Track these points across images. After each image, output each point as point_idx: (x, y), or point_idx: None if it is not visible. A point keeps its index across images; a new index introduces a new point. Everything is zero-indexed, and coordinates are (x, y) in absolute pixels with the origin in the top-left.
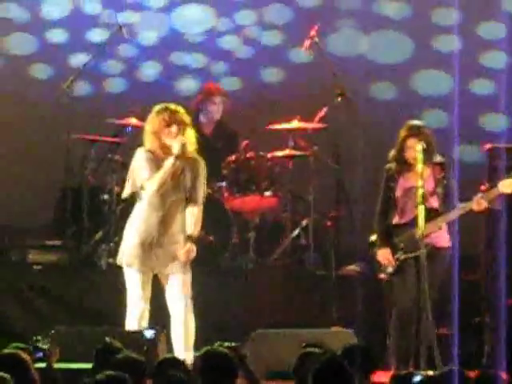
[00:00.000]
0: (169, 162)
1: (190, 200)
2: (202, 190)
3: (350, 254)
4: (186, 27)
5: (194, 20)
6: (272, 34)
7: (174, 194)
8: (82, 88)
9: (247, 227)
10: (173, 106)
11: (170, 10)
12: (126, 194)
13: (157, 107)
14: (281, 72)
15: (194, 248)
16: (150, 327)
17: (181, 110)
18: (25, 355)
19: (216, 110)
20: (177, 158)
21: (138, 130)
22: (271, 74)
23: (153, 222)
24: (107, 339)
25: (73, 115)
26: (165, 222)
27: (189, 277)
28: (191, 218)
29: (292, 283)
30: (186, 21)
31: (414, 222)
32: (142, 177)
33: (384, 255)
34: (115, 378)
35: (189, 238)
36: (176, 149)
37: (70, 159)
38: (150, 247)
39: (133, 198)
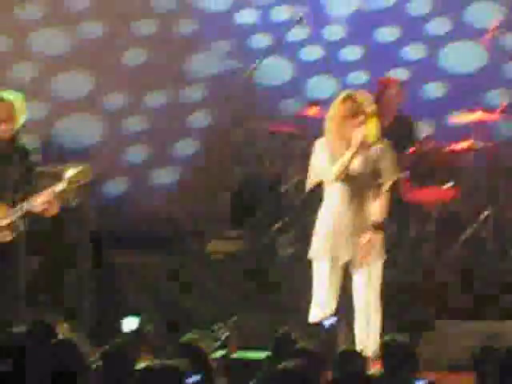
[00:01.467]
0: (348, 155)
1: (377, 186)
2: (389, 177)
3: None
4: None
5: None
6: None
7: (362, 182)
8: (262, 76)
9: (426, 219)
10: (358, 95)
11: None
12: (308, 185)
13: (342, 94)
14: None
15: (380, 236)
16: (331, 317)
17: (366, 99)
18: (203, 344)
19: (393, 101)
20: (356, 151)
21: (319, 121)
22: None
23: (342, 212)
24: (287, 328)
25: (254, 104)
26: (354, 211)
27: (379, 267)
28: (377, 205)
29: (471, 275)
30: None
31: None
32: (321, 168)
33: None
34: (296, 367)
35: (374, 224)
36: (355, 141)
37: (250, 150)
38: (341, 237)
39: (314, 189)
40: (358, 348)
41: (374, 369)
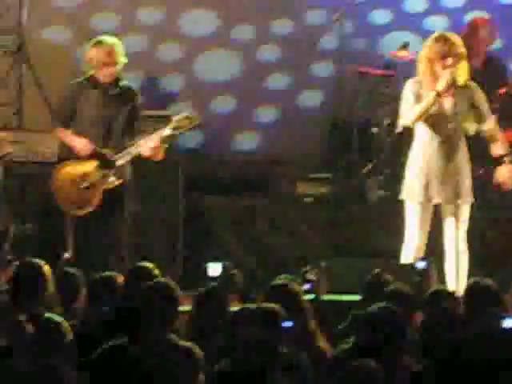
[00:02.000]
0: (430, 97)
1: (480, 120)
2: (486, 109)
3: None
4: None
5: None
6: None
7: (452, 124)
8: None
9: None
10: (452, 36)
11: None
12: (399, 127)
13: (435, 35)
14: None
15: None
16: (422, 259)
17: (459, 41)
18: (296, 286)
19: (484, 42)
20: (438, 94)
21: (410, 63)
22: None
23: (432, 153)
24: (377, 271)
25: (344, 48)
26: (445, 152)
27: (468, 209)
28: (490, 137)
29: None
30: None
31: None
32: (404, 109)
33: None
34: (386, 310)
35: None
36: (441, 85)
37: (340, 92)
38: (432, 179)
39: (404, 131)
40: (449, 289)
41: None
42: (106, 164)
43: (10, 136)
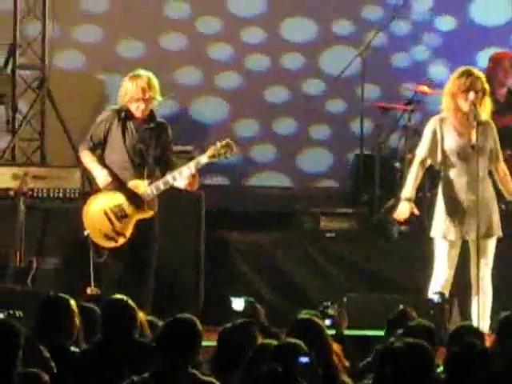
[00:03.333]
0: (409, 186)
1: (492, 160)
2: (499, 149)
3: None
4: None
5: None
6: None
7: (476, 158)
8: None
9: None
10: (475, 71)
11: None
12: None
13: (460, 69)
14: None
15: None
16: (438, 293)
17: (482, 77)
18: (319, 321)
19: (505, 75)
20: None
21: (432, 98)
22: None
23: (461, 190)
24: (402, 307)
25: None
26: (473, 188)
27: (494, 244)
28: (504, 177)
29: None
30: None
31: None
32: (419, 148)
33: None
34: (413, 345)
35: None
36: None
37: (364, 126)
38: (463, 216)
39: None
40: (474, 324)
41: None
42: (135, 197)
43: (32, 171)
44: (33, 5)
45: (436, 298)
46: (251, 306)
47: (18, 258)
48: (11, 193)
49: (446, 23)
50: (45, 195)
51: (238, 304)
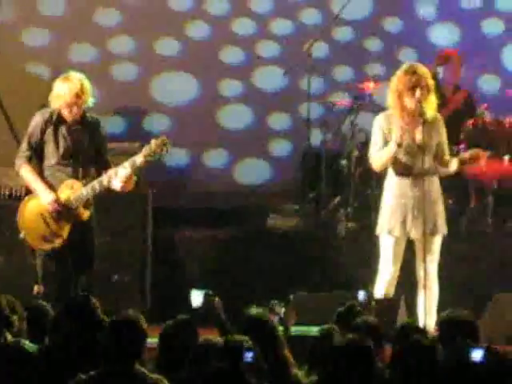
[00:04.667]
0: (390, 149)
1: (437, 156)
2: (448, 152)
3: None
4: None
5: None
6: None
7: (422, 155)
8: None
9: (485, 192)
10: (420, 68)
11: None
12: (370, 160)
13: (404, 66)
14: None
15: None
16: (364, 291)
17: (427, 72)
18: (270, 316)
19: (454, 74)
20: (399, 145)
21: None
22: None
23: (407, 187)
24: (350, 303)
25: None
26: (419, 186)
27: (440, 240)
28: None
29: None
30: None
31: None
32: (371, 151)
33: None
34: (356, 341)
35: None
36: (397, 136)
37: (310, 123)
38: (408, 213)
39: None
40: (420, 322)
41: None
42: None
43: None
44: None
45: (362, 295)
46: (209, 300)
47: None
48: None
49: None
50: None
51: (196, 297)
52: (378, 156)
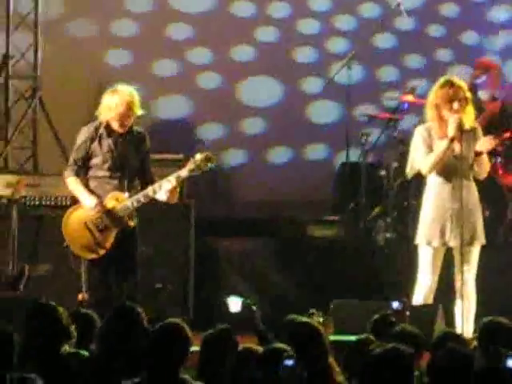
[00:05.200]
0: (443, 145)
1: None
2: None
3: None
4: None
5: None
6: None
7: (461, 166)
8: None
9: None
10: (457, 81)
11: None
12: (409, 173)
13: (442, 79)
14: None
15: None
16: (398, 300)
17: (464, 85)
18: (317, 324)
19: (492, 84)
20: (452, 139)
21: (416, 108)
22: None
23: (446, 197)
24: (383, 312)
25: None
26: (458, 196)
27: (478, 250)
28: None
29: None
30: None
31: None
32: (417, 158)
33: None
34: (395, 350)
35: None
36: (451, 131)
37: (349, 134)
38: (447, 223)
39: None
40: (458, 330)
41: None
42: (115, 209)
43: (24, 179)
44: (25, 15)
45: (395, 304)
46: (248, 309)
47: (11, 266)
48: (4, 201)
49: None
50: (37, 203)
51: (234, 305)
52: (428, 158)
